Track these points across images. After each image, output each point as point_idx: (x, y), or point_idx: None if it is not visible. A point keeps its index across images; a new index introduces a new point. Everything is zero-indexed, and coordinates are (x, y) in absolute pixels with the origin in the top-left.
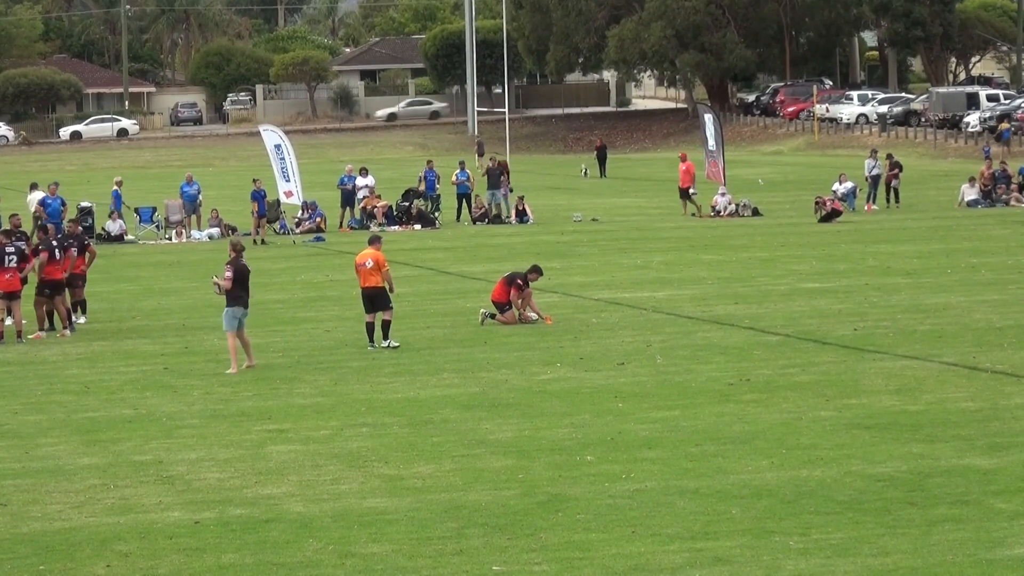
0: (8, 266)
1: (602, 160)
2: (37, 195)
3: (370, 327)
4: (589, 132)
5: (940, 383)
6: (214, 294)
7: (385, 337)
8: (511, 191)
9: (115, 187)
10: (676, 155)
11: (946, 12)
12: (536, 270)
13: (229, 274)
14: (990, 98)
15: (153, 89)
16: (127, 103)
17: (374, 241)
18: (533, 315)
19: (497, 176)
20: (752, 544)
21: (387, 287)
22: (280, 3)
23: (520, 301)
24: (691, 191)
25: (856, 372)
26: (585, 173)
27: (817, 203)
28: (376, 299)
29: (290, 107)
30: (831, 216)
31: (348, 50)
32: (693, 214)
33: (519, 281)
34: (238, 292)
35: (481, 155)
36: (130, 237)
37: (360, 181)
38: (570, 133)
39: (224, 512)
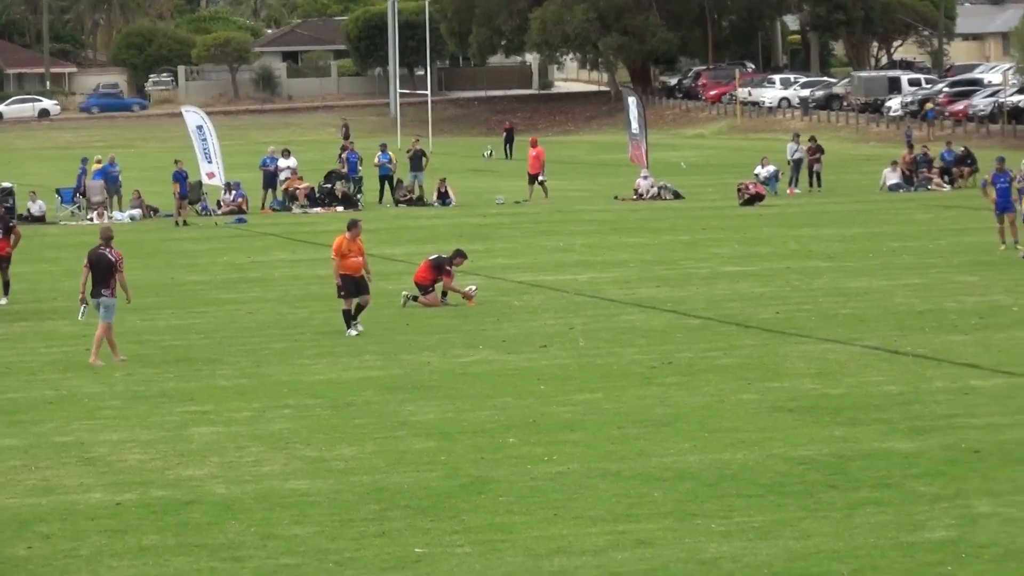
0: None
1: (509, 142)
2: None
3: (348, 313)
4: (512, 115)
5: (862, 367)
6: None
7: (355, 318)
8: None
9: (95, 166)
10: (599, 138)
11: None
12: (460, 254)
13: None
14: (912, 82)
15: (75, 69)
16: (48, 83)
17: (355, 225)
18: (459, 293)
19: (419, 158)
20: (674, 527)
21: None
22: None
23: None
24: (540, 178)
25: (778, 355)
26: (490, 154)
27: (740, 189)
28: (359, 284)
29: (212, 88)
30: (753, 200)
31: (270, 31)
32: (525, 200)
33: (447, 268)
34: (96, 283)
35: (347, 138)
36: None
37: (282, 163)
38: (492, 115)
39: (146, 493)
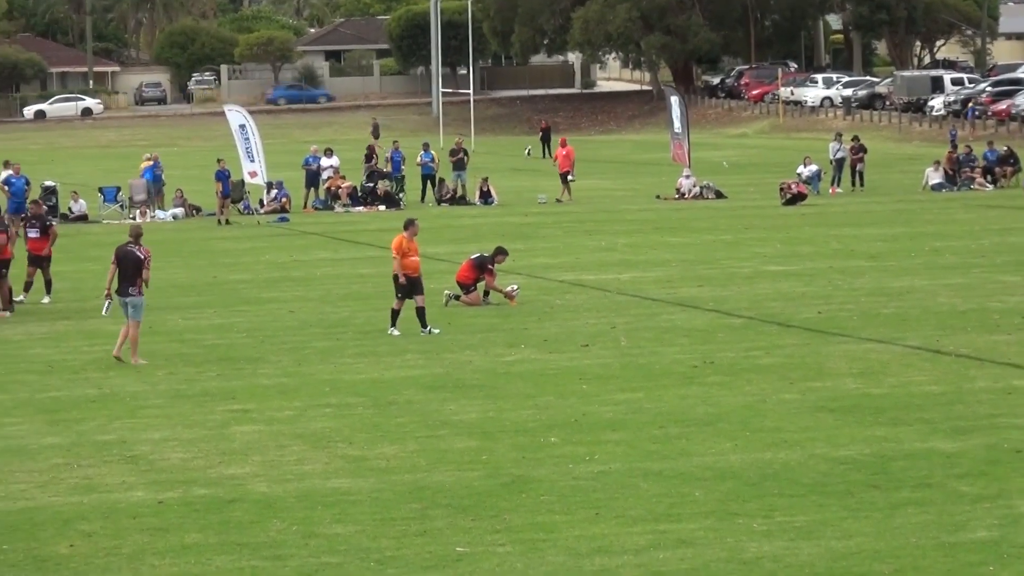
0: None
1: (546, 141)
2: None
3: (395, 313)
4: (554, 114)
5: (904, 366)
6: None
7: (424, 325)
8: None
9: (144, 164)
10: (641, 137)
11: None
12: (502, 251)
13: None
14: (954, 82)
15: (117, 68)
16: (91, 82)
17: (412, 224)
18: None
19: (461, 157)
20: (716, 526)
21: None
22: None
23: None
24: (569, 176)
25: (820, 355)
26: (528, 153)
27: (782, 189)
28: (414, 284)
29: (255, 87)
30: (795, 199)
31: (313, 30)
32: (558, 200)
33: (489, 267)
34: (122, 280)
35: (376, 136)
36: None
37: (325, 162)
38: (535, 115)
39: (188, 492)
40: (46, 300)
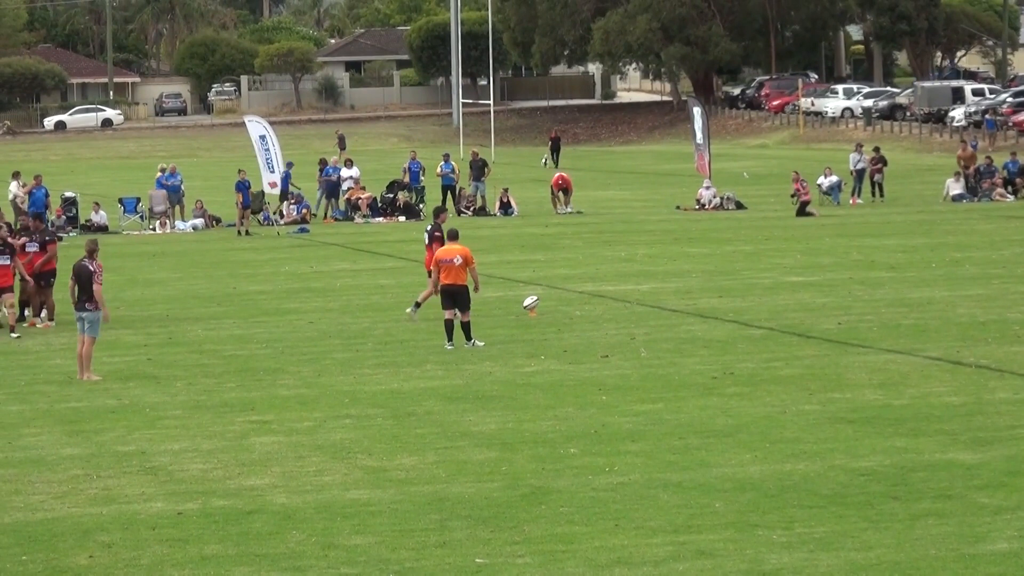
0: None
1: (555, 151)
2: (13, 185)
3: (449, 324)
4: (574, 125)
5: (924, 377)
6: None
7: (468, 338)
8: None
9: (159, 173)
10: (661, 148)
11: (931, 6)
12: (441, 210)
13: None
14: (975, 92)
15: (138, 79)
16: (112, 93)
17: (456, 236)
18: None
19: (480, 168)
20: (735, 538)
21: (473, 285)
22: None
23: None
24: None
25: (840, 366)
26: (545, 163)
27: (793, 195)
28: (458, 297)
29: (275, 98)
30: (803, 208)
31: (333, 41)
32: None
33: (436, 234)
34: (79, 295)
35: (343, 148)
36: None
37: (345, 172)
38: (555, 125)
39: (207, 503)
40: (45, 323)
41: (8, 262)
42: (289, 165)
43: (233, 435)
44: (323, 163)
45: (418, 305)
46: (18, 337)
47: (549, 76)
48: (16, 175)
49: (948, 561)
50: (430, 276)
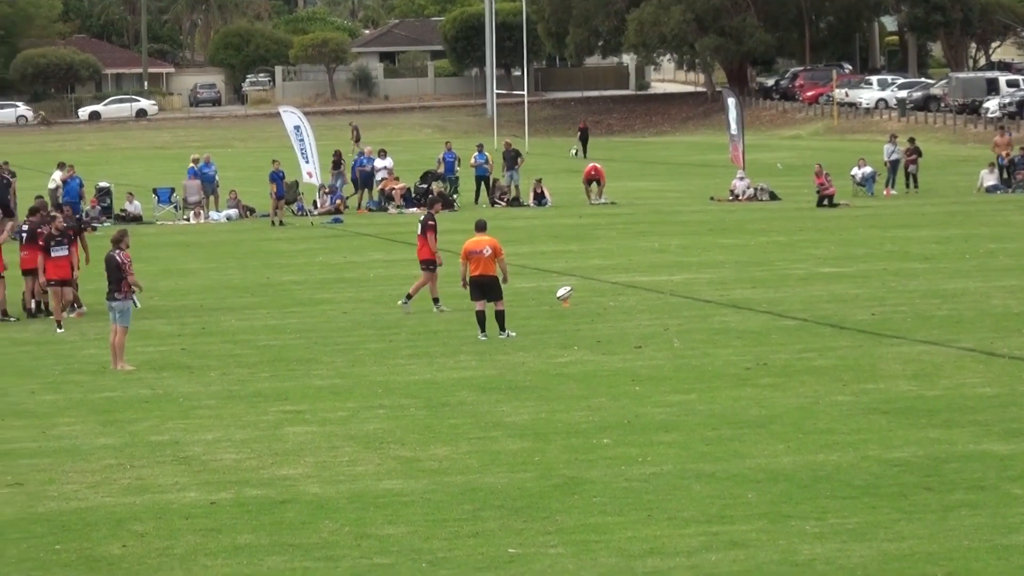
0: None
1: (584, 141)
2: (57, 175)
3: (481, 315)
4: (608, 115)
5: (957, 368)
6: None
7: (503, 328)
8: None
9: (191, 164)
10: (695, 139)
11: None
12: (435, 201)
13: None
14: (1010, 83)
15: (172, 70)
16: (146, 84)
17: (484, 227)
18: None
19: (513, 158)
20: (768, 528)
21: (501, 276)
22: None
23: (435, 243)
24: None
25: (873, 357)
26: (576, 153)
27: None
28: (488, 288)
29: (309, 88)
30: (823, 200)
31: (367, 32)
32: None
33: (430, 223)
34: (109, 285)
35: (357, 140)
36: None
37: (379, 163)
38: (589, 116)
39: (240, 493)
40: (78, 311)
41: (66, 252)
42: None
43: (266, 425)
44: (337, 155)
45: (410, 297)
46: (63, 331)
47: (583, 67)
48: (61, 165)
49: (981, 552)
50: (428, 268)
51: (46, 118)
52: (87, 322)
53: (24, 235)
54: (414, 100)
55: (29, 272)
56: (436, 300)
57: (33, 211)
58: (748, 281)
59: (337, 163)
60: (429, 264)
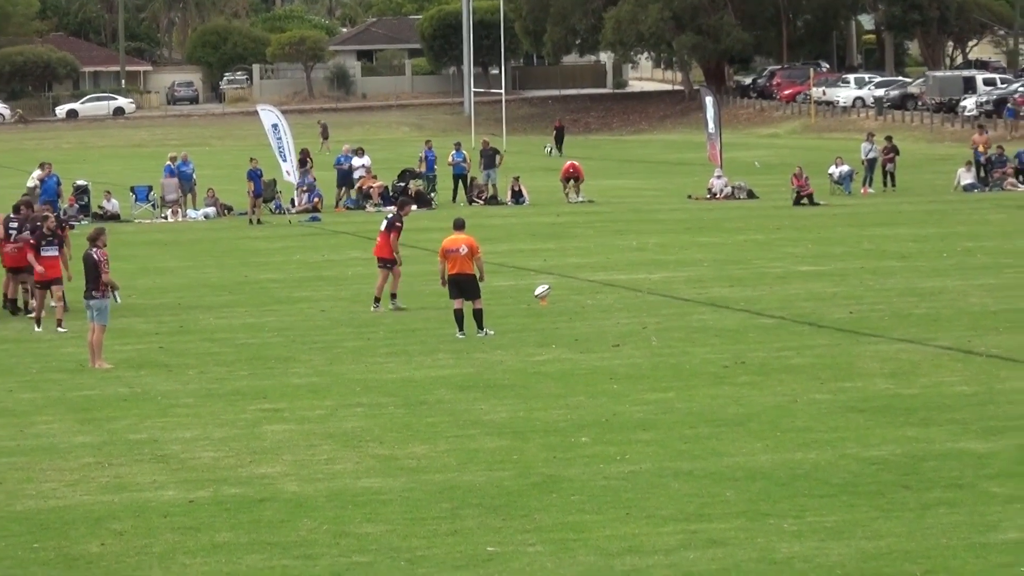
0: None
1: (559, 140)
2: (37, 173)
3: (459, 314)
4: (586, 114)
5: (935, 367)
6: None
7: (480, 327)
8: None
9: (169, 162)
10: (673, 137)
11: None
12: (405, 203)
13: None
14: (987, 82)
15: (150, 68)
16: (123, 82)
17: (462, 225)
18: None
19: (491, 156)
20: (746, 526)
21: (478, 275)
22: None
23: (396, 243)
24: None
25: (851, 355)
26: (550, 152)
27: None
28: (465, 286)
29: (287, 87)
30: (800, 199)
31: (345, 30)
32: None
33: (397, 224)
34: (86, 283)
35: (325, 138)
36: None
37: (356, 161)
38: (567, 114)
39: (219, 491)
40: (37, 329)
41: (56, 252)
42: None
43: (244, 423)
44: (304, 153)
45: (377, 300)
46: (66, 331)
47: (561, 65)
48: (43, 165)
49: (959, 550)
50: (385, 266)
51: (23, 116)
52: (66, 321)
53: (15, 230)
54: (392, 98)
55: (14, 270)
56: (394, 296)
57: (16, 208)
58: (726, 279)
59: (303, 161)
60: (388, 263)
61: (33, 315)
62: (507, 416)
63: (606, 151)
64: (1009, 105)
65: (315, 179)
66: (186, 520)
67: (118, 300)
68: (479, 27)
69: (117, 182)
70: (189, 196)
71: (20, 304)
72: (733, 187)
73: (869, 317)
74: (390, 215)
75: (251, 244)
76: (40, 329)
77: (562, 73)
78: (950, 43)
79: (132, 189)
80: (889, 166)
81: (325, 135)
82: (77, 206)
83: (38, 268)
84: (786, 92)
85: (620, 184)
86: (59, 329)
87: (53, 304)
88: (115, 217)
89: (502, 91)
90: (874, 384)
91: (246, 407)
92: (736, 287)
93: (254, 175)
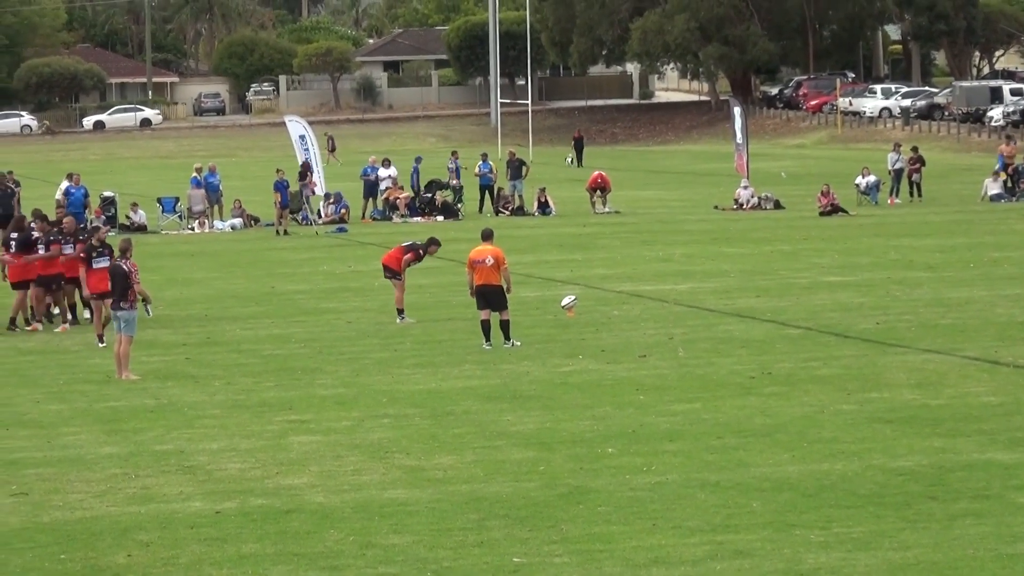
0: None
1: (579, 150)
2: (63, 185)
3: (485, 325)
4: (612, 124)
5: (962, 377)
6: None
7: (507, 338)
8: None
9: (195, 173)
10: (699, 148)
11: (970, 6)
12: (434, 242)
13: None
14: (1014, 92)
15: (176, 79)
16: (150, 93)
17: (490, 236)
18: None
19: (517, 167)
20: (773, 537)
21: (505, 286)
22: None
23: (406, 265)
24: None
25: (878, 366)
26: (571, 162)
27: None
28: (492, 297)
29: (313, 98)
30: (833, 211)
31: (371, 41)
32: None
33: (420, 251)
34: (114, 294)
35: (332, 150)
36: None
37: (383, 172)
38: (592, 125)
39: (245, 502)
40: (62, 326)
41: (107, 264)
42: (418, 160)
43: (271, 434)
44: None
45: (400, 311)
46: (104, 346)
47: (587, 76)
48: (70, 176)
49: (986, 561)
50: (392, 276)
51: (50, 128)
52: (92, 332)
53: (14, 243)
54: (418, 109)
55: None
56: (400, 311)
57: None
58: (752, 290)
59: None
60: (394, 274)
61: (64, 326)
62: (534, 427)
63: (632, 162)
64: None
65: (314, 192)
66: (212, 531)
67: (149, 313)
68: (505, 38)
69: (144, 193)
70: (216, 207)
71: (27, 316)
72: (760, 198)
73: (896, 328)
74: (419, 242)
75: (278, 255)
76: (104, 345)
77: (588, 84)
78: (977, 53)
79: (159, 200)
80: (915, 176)
81: (332, 147)
82: (104, 217)
83: (86, 286)
84: (812, 102)
85: (646, 195)
86: (99, 344)
87: (87, 316)
88: (142, 228)
89: (528, 102)
90: (901, 395)
91: (272, 418)
92: (763, 297)
93: (280, 186)
